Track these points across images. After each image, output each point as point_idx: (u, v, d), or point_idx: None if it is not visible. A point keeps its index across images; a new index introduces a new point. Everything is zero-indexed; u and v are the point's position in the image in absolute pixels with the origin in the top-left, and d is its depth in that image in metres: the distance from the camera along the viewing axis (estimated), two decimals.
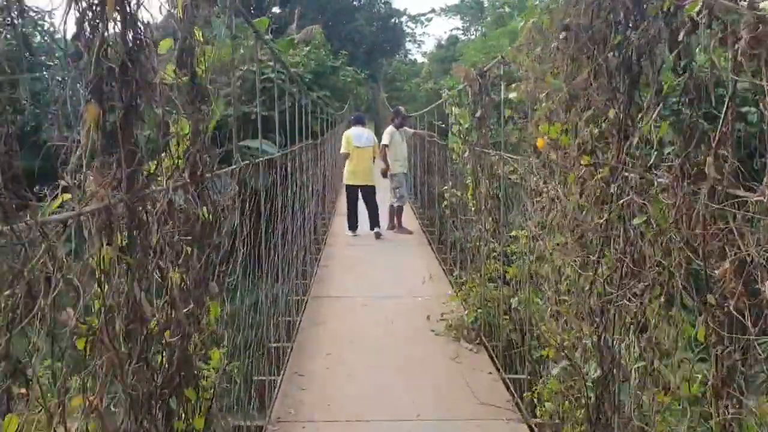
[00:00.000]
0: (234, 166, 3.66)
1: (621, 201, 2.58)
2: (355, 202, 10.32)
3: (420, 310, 6.43)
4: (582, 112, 2.79)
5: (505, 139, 5.27)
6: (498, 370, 4.98)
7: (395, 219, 10.63)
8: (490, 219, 5.43)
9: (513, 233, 5.56)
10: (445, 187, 7.71)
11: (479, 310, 5.56)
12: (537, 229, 3.56)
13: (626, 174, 2.56)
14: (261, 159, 4.87)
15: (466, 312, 5.73)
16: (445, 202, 7.83)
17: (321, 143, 11.30)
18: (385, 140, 10.48)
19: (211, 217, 2.55)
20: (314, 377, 4.91)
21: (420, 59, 49.96)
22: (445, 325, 5.80)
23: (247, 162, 4.19)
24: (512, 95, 3.34)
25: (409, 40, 50.23)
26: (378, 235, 10.10)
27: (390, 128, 10.65)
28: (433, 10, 48.91)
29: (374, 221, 10.28)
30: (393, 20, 42.28)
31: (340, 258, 9.06)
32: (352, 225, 10.40)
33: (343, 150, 10.46)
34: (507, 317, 5.24)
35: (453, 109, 6.40)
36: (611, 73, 2.67)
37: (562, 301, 3.23)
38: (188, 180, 2.30)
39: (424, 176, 13.44)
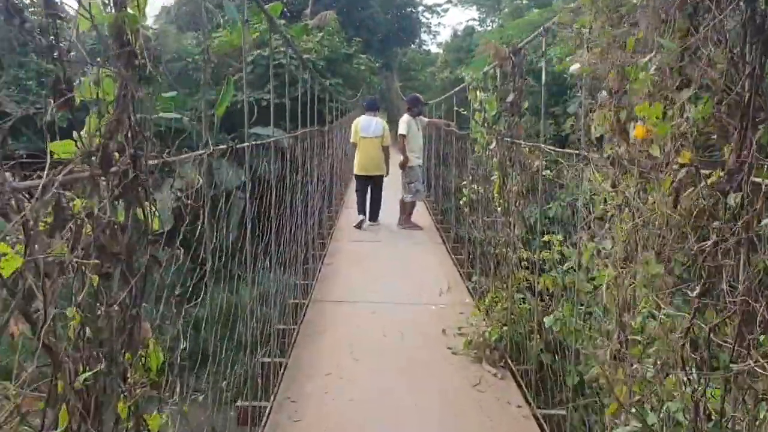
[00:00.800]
0: (199, 152, 2.86)
1: (744, 218, 1.76)
2: (363, 193, 9.84)
3: (435, 320, 5.60)
4: (680, 89, 1.96)
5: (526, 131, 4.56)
6: (529, 403, 4.15)
7: (405, 214, 9.80)
8: (521, 221, 4.61)
9: (546, 238, 4.76)
10: (464, 182, 6.87)
11: (505, 328, 4.73)
12: (593, 243, 2.74)
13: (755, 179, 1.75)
14: (246, 144, 4.06)
15: (489, 328, 4.90)
16: (464, 198, 6.95)
17: (329, 131, 10.42)
18: (402, 130, 9.59)
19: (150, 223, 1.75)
20: (310, 403, 4.10)
21: (434, 50, 48.92)
22: (464, 342, 4.97)
23: (223, 147, 3.41)
24: (574, 68, 2.50)
25: (424, 31, 49.19)
26: (360, 226, 9.71)
27: (406, 117, 9.74)
28: (449, 1, 47.60)
29: (374, 215, 9.93)
30: (409, 9, 41.22)
31: (347, 255, 8.27)
32: (361, 212, 9.90)
33: (351, 139, 10.00)
34: (538, 336, 4.42)
35: (477, 94, 5.57)
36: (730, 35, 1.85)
37: (634, 342, 2.40)
38: (98, 170, 1.47)
39: (439, 168, 12.62)
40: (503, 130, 4.99)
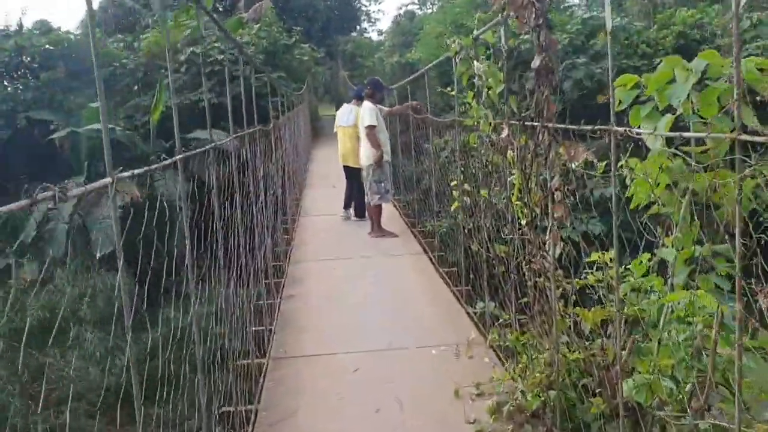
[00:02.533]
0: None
1: None
2: (348, 186, 9.28)
3: (440, 374, 4.08)
4: None
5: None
6: None
7: (376, 220, 8.26)
8: (558, 239, 3.13)
9: (594, 257, 3.29)
10: (454, 182, 5.31)
11: (551, 393, 3.24)
12: None
13: None
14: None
15: (524, 388, 3.41)
16: (455, 204, 5.29)
17: (274, 128, 8.75)
18: (370, 120, 8.02)
19: None
20: None
21: (375, 37, 47.43)
22: (488, 408, 3.50)
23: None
24: None
25: (364, 18, 47.56)
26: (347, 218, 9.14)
27: (369, 104, 8.17)
28: None
29: (358, 210, 9.10)
30: None
31: (312, 282, 6.59)
32: (345, 206, 9.40)
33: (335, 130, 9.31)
34: (600, 400, 2.97)
35: (473, 64, 4.06)
36: None
37: None
38: None
39: (415, 165, 11.22)
40: (515, 111, 3.53)
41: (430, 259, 7.17)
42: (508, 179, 3.76)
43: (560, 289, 3.17)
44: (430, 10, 38.53)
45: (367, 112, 8.09)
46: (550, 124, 3.01)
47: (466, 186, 4.93)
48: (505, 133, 3.59)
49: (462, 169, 5.26)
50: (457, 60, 4.47)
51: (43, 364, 10.65)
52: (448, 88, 5.32)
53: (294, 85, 17.70)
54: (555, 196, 3.01)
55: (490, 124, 3.97)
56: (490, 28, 3.96)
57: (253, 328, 4.93)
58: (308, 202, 11.31)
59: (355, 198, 9.12)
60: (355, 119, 8.58)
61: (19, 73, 17.26)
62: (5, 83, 16.98)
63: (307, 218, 9.91)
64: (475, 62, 3.93)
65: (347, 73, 31.85)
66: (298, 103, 16.31)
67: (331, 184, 12.21)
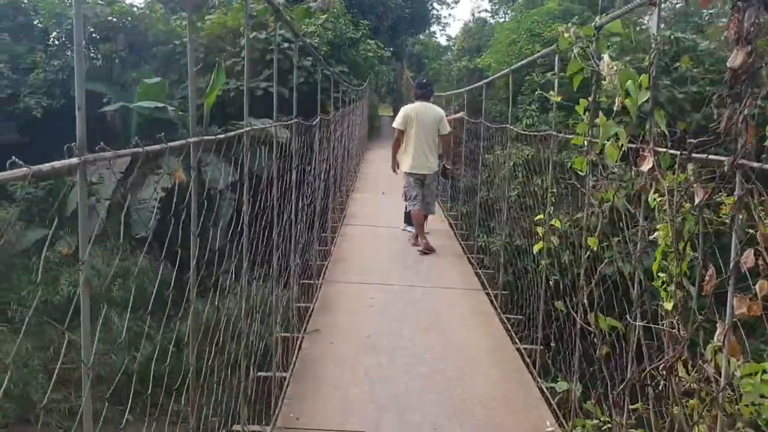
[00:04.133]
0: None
1: None
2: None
3: None
4: None
5: None
6: None
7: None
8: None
9: None
10: (539, 216, 4.42)
11: None
12: None
13: None
14: None
15: None
16: (539, 245, 4.27)
17: (327, 123, 8.26)
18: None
19: None
20: None
21: (444, 42, 47.05)
22: None
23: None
24: None
25: (434, 22, 47.13)
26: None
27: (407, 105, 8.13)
28: None
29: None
30: None
31: (345, 314, 5.61)
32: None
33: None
34: None
35: (585, 64, 3.11)
36: None
37: None
38: None
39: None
40: (665, 133, 2.52)
41: (491, 300, 6.27)
42: (642, 230, 2.67)
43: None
44: (502, 20, 37.98)
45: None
46: (748, 162, 1.92)
47: (556, 223, 3.87)
48: (647, 165, 2.51)
49: (553, 199, 4.34)
50: (572, 55, 3.29)
51: (69, 341, 10.54)
52: (551, 92, 4.36)
53: (355, 81, 17.35)
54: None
55: (621, 148, 2.75)
56: (629, 10, 3.10)
57: (261, 373, 4.13)
58: (354, 209, 10.66)
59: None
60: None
61: None
62: (67, 52, 17.07)
63: (352, 228, 9.31)
64: (605, 57, 2.86)
65: (411, 74, 31.48)
66: (356, 99, 15.96)
67: (381, 190, 11.73)
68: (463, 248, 8.38)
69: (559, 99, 3.88)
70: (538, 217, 4.18)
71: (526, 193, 6.85)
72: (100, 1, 17.08)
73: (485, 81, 8.64)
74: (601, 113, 2.70)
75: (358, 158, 16.43)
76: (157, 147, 2.02)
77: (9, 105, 16.03)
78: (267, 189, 4.01)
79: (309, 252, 6.69)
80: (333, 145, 9.28)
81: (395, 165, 8.02)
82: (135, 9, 17.88)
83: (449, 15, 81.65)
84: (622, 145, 2.68)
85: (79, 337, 1.63)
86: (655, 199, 2.45)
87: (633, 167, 2.53)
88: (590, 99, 3.12)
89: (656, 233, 2.43)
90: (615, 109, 2.61)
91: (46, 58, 16.48)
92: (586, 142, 3.16)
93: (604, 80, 2.68)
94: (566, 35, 3.15)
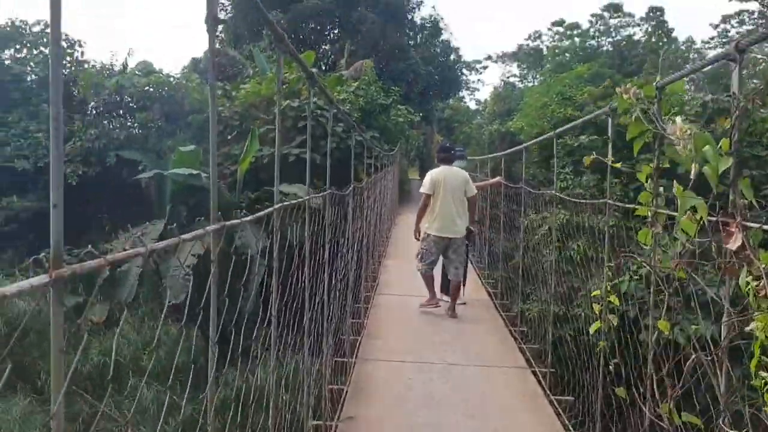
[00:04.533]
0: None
1: None
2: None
3: None
4: None
5: None
6: None
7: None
8: None
9: None
10: (595, 292, 3.92)
11: None
12: None
13: None
14: None
15: None
16: (596, 324, 3.64)
17: (360, 191, 8.12)
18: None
19: None
20: None
21: (473, 106, 47.57)
22: None
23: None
24: None
25: (463, 87, 47.80)
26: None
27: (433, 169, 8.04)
28: (489, 57, 46.31)
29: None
30: (451, 57, 39.48)
31: (381, 399, 5.06)
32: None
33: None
34: None
35: (648, 126, 2.73)
36: None
37: None
38: None
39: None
40: (755, 205, 2.22)
41: (538, 380, 5.76)
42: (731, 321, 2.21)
43: None
44: (531, 84, 38.47)
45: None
46: None
47: (614, 300, 3.42)
48: (735, 242, 2.10)
49: (610, 272, 3.91)
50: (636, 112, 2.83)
51: (96, 411, 10.38)
52: (587, 157, 4.05)
53: (386, 146, 17.47)
54: None
55: (700, 221, 2.33)
56: (700, 69, 2.78)
57: None
58: (387, 277, 10.26)
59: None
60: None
61: (116, 112, 17.84)
62: (104, 121, 17.52)
63: (385, 297, 8.85)
64: (677, 120, 2.49)
65: (441, 138, 31.71)
66: (388, 164, 16.01)
67: (413, 255, 11.53)
68: (504, 320, 7.95)
69: (618, 165, 3.54)
70: (594, 293, 3.83)
71: (580, 262, 6.63)
72: (137, 72, 17.60)
73: (525, 145, 8.39)
74: (676, 183, 2.33)
75: (389, 222, 16.34)
76: (173, 241, 1.84)
77: (46, 173, 16.37)
78: (299, 268, 3.87)
79: (342, 329, 6.42)
80: (366, 213, 9.15)
81: (417, 232, 7.92)
82: (171, 79, 18.37)
83: (478, 80, 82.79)
84: (700, 218, 2.31)
85: (107, 407, 1.41)
86: (748, 283, 2.01)
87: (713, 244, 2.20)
88: (653, 165, 2.83)
89: (752, 324, 1.99)
90: (691, 177, 2.29)
91: (83, 126, 16.90)
92: (650, 213, 2.82)
93: (675, 145, 2.36)
94: (625, 96, 2.76)
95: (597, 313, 3.69)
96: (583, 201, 6.71)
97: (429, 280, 7.86)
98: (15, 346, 11.08)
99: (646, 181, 2.78)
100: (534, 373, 5.96)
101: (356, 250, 7.61)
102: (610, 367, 3.43)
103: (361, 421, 4.70)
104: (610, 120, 4.09)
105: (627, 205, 3.53)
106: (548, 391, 5.57)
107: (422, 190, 7.84)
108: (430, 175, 7.84)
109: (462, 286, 7.96)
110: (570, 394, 5.60)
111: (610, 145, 3.97)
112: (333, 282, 5.32)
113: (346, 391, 5.26)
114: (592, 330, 3.49)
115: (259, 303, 3.11)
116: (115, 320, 12.31)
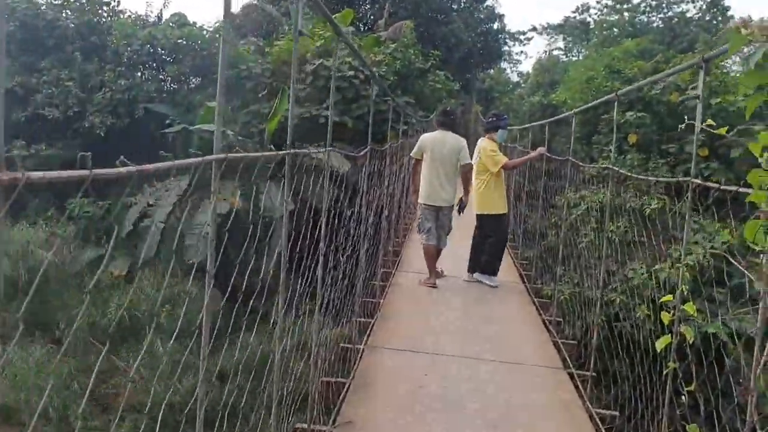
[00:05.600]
0: None
1: None
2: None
3: None
4: None
5: None
6: None
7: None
8: None
9: None
10: (666, 297, 3.05)
11: None
12: None
13: None
14: None
15: None
16: (665, 339, 2.96)
17: (376, 156, 7.68)
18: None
19: None
20: None
21: (514, 78, 46.55)
22: None
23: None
24: None
25: (505, 59, 46.72)
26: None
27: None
28: (534, 28, 45.19)
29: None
30: (495, 26, 38.42)
31: (390, 400, 4.52)
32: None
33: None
34: None
35: None
36: None
37: None
38: None
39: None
40: None
41: (576, 384, 5.08)
42: None
43: None
44: (575, 58, 37.52)
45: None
46: None
47: (688, 308, 2.72)
48: None
49: (687, 275, 3.24)
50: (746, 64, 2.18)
51: (113, 366, 10.36)
52: (634, 132, 3.49)
53: (421, 113, 17.01)
54: None
55: None
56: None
57: None
58: (410, 253, 9.60)
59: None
60: (478, 155, 7.81)
61: (148, 64, 17.64)
62: (135, 73, 17.35)
63: (406, 276, 8.16)
64: None
65: (480, 108, 31.05)
66: (421, 131, 15.60)
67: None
68: (537, 307, 7.28)
69: (709, 123, 2.71)
70: (665, 298, 2.98)
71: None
72: (171, 24, 17.34)
73: (575, 111, 7.56)
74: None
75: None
76: (166, 165, 1.58)
77: (75, 123, 16.35)
78: (311, 233, 3.64)
79: (352, 306, 6.00)
80: (387, 181, 8.73)
81: (415, 197, 7.73)
82: (204, 32, 18.08)
83: (521, 52, 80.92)
84: None
85: (125, 361, 1.17)
86: None
87: None
88: None
89: None
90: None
91: (114, 77, 16.75)
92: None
93: None
94: (745, 31, 2.00)
95: (666, 323, 2.98)
96: (660, 179, 5.95)
97: (429, 253, 7.57)
98: (34, 295, 11.06)
99: (761, 156, 2.07)
100: (571, 375, 5.32)
101: (371, 223, 7.12)
102: (683, 398, 2.85)
103: (359, 428, 4.14)
104: (702, 72, 3.33)
105: (729, 187, 2.72)
106: (588, 403, 4.87)
107: (412, 154, 7.74)
108: (420, 139, 7.70)
109: (497, 264, 7.78)
110: (614, 406, 5.01)
111: (699, 106, 3.19)
112: (337, 255, 5.00)
113: (348, 386, 4.72)
114: (659, 346, 2.83)
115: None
116: (135, 276, 12.25)
